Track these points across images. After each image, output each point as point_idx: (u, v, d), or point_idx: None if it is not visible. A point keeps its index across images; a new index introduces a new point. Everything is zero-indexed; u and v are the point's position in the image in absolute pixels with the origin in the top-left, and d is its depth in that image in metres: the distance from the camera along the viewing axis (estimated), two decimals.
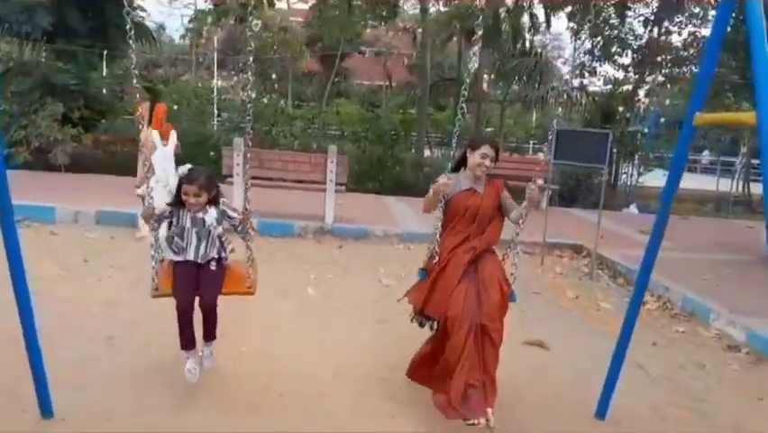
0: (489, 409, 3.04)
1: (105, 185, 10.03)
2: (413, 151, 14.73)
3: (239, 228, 3.50)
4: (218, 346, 3.69)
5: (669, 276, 6.59)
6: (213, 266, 3.40)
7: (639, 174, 15.24)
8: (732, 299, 5.95)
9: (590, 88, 17.26)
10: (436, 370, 3.33)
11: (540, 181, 3.32)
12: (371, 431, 3.29)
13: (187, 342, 3.36)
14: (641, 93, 16.91)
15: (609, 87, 16.34)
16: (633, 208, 13.40)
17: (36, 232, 7.05)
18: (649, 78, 16.18)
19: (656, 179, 16.37)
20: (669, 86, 15.97)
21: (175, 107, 14.22)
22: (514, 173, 12.23)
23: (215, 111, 15.86)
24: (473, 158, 3.51)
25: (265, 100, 17.37)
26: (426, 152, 15.79)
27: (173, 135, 7.23)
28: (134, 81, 3.36)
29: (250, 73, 3.45)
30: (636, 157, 15.03)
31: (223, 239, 3.47)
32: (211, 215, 3.40)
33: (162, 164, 6.80)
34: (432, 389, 3.37)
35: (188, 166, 3.43)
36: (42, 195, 8.25)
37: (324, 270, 6.50)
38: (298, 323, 4.85)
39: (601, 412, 3.58)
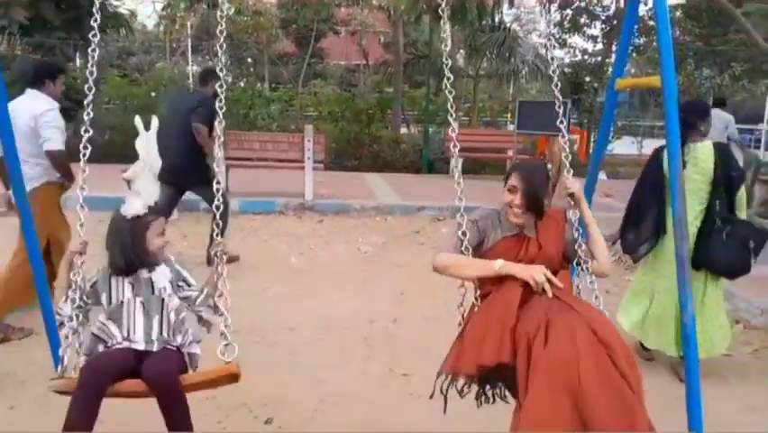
0: None
1: (90, 172, 10.31)
2: (389, 128, 15.12)
3: (197, 302, 2.38)
4: None
5: None
6: (169, 347, 2.25)
7: (608, 142, 15.76)
8: None
9: (562, 60, 17.74)
10: None
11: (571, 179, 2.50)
12: (348, 372, 3.77)
13: None
14: (612, 61, 17.43)
15: (578, 58, 16.82)
16: (601, 175, 13.97)
17: None
18: (616, 48, 16.64)
19: (625, 146, 16.97)
20: (635, 55, 16.45)
21: (152, 95, 14.47)
22: (487, 146, 12.76)
23: None
24: (504, 195, 2.36)
25: (242, 84, 17.61)
26: (403, 130, 16.19)
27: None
28: (91, 78, 2.58)
29: (221, 57, 2.75)
30: None
31: (181, 317, 2.32)
32: (161, 273, 2.32)
33: (146, 148, 7.14)
34: None
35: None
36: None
37: (305, 242, 6.93)
38: (283, 286, 5.30)
39: None
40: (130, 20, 20.02)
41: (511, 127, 14.39)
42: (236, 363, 2.27)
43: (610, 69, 16.80)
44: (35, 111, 3.88)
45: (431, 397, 2.29)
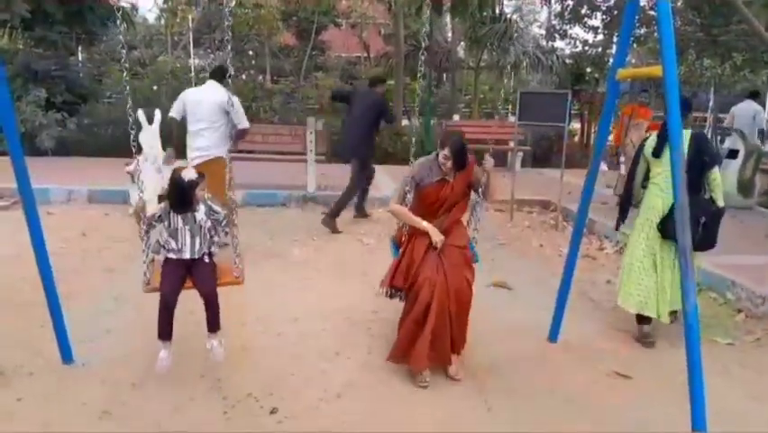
0: (455, 356, 3.54)
1: (93, 166, 10.35)
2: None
3: (222, 223, 3.60)
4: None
5: (627, 225, 7.13)
6: (206, 259, 3.52)
7: (609, 133, 15.75)
8: None
9: (563, 51, 17.69)
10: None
11: (490, 160, 3.64)
12: (352, 362, 3.80)
13: (164, 332, 3.40)
14: (613, 52, 17.36)
15: (579, 49, 16.79)
16: (603, 165, 13.95)
17: None
18: (617, 39, 16.59)
19: None
20: (636, 45, 16.42)
21: (155, 88, 14.48)
22: (490, 137, 12.73)
23: None
24: (440, 155, 3.63)
25: (243, 76, 17.59)
26: (404, 122, 16.16)
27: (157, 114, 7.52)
28: (125, 75, 3.47)
29: (228, 50, 3.52)
30: None
31: (211, 233, 3.56)
32: (201, 211, 3.49)
33: (150, 142, 7.13)
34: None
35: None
36: (34, 178, 8.56)
37: (307, 233, 6.97)
38: (286, 278, 5.33)
39: (553, 336, 4.12)
40: (131, 13, 19.99)
41: (512, 119, 14.33)
42: (242, 276, 3.66)
43: (611, 60, 16.84)
44: (224, 96, 5.18)
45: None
